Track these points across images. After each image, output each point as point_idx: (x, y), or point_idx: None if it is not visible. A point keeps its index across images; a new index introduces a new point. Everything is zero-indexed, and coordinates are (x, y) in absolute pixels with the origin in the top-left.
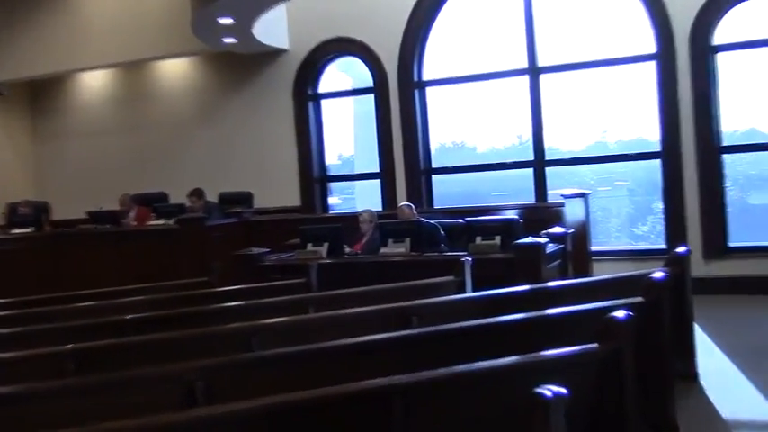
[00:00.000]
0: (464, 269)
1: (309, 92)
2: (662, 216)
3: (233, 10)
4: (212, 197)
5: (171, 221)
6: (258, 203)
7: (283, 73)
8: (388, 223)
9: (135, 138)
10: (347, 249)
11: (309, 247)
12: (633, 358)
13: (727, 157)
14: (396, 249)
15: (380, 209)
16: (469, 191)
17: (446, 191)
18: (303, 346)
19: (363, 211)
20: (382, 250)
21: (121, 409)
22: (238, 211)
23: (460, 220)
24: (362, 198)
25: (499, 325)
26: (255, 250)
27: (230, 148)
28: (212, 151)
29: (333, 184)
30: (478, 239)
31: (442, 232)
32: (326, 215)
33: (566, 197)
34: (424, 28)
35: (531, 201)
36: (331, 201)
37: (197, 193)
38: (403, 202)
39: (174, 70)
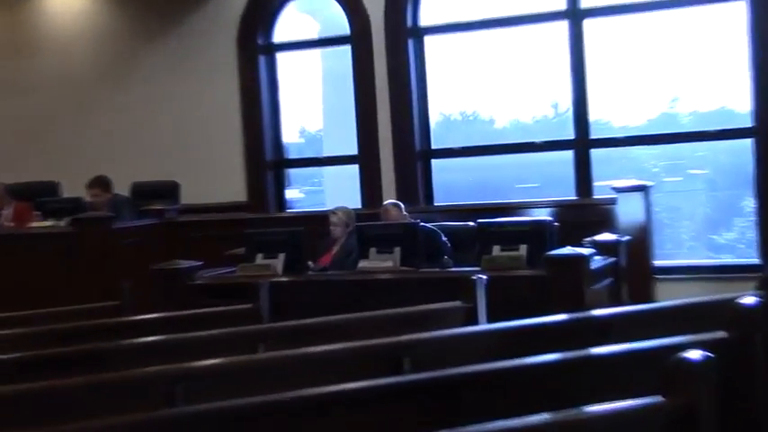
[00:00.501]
0: (475, 291)
1: (260, 41)
2: (754, 218)
3: None
4: (122, 189)
5: (62, 222)
6: (187, 198)
7: (223, 14)
8: (369, 227)
9: (11, 105)
10: (311, 264)
11: (259, 259)
12: (713, 416)
13: None
14: (380, 263)
15: (358, 207)
16: (484, 182)
17: (451, 181)
18: (248, 399)
19: (336, 209)
20: (361, 264)
21: None
22: (159, 208)
23: (471, 223)
24: (334, 191)
25: (525, 370)
26: (183, 264)
27: (149, 120)
28: (122, 125)
29: (292, 172)
30: (496, 250)
31: (445, 239)
32: (283, 215)
33: (619, 191)
34: None
35: (571, 196)
36: (290, 195)
37: (100, 183)
38: (388, 201)
39: (69, 9)
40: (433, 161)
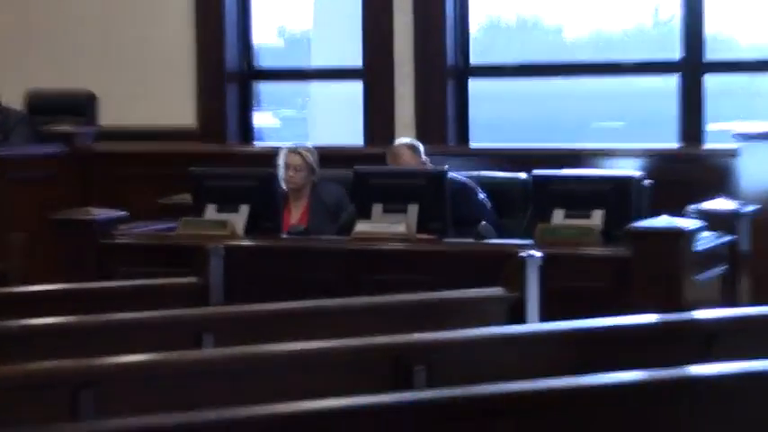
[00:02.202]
0: (525, 274)
1: None
2: None
3: None
4: (14, 100)
5: None
6: (108, 118)
7: None
8: (373, 173)
9: None
10: (293, 222)
11: (211, 212)
12: None
13: None
14: (388, 227)
15: (361, 143)
16: (545, 117)
17: (497, 114)
18: (185, 415)
19: (298, 147)
20: (360, 227)
21: None
22: (66, 130)
23: (523, 176)
24: (324, 119)
25: (593, 392)
26: (98, 213)
27: (55, 4)
28: (17, 10)
29: (265, 88)
30: (559, 216)
31: (484, 197)
32: (249, 149)
33: (743, 138)
34: None
35: (672, 143)
36: (260, 120)
37: None
38: (401, 139)
39: None
40: (472, 83)
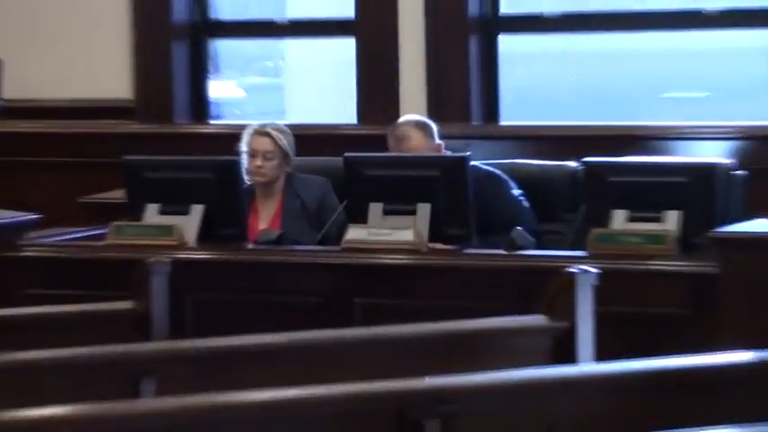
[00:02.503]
0: (574, 296)
1: None
2: None
3: None
4: None
5: None
6: (15, 89)
7: None
8: (370, 162)
9: None
10: (262, 228)
11: (152, 214)
12: None
13: None
14: (389, 233)
15: (353, 121)
16: (599, 85)
17: (536, 81)
18: None
19: (266, 126)
20: (352, 234)
21: None
22: None
23: (572, 164)
24: (303, 89)
25: None
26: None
27: None
28: None
29: (225, 46)
30: (620, 218)
31: (519, 193)
32: (203, 129)
33: None
34: None
35: None
36: (218, 91)
37: None
38: (408, 116)
39: None
40: (503, 40)
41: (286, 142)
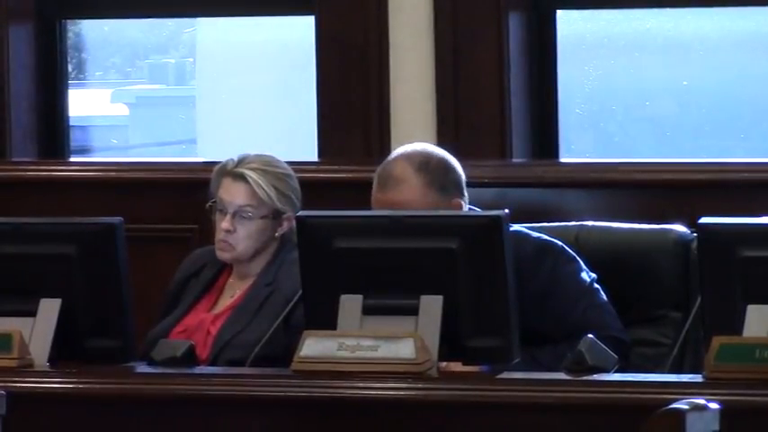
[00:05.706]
0: None
1: None
2: None
3: None
4: None
5: None
6: None
7: None
8: (336, 222)
9: None
10: (216, 312)
11: None
12: None
13: None
14: (374, 347)
15: (312, 156)
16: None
17: (602, 85)
18: None
19: (245, 159)
20: (310, 346)
21: None
22: None
23: (678, 228)
24: (225, 99)
25: None
26: None
27: None
28: None
29: (92, 28)
30: (759, 315)
31: (590, 277)
32: (59, 171)
33: None
34: None
35: None
36: (82, 106)
37: None
38: (405, 147)
39: None
40: (561, 14)
41: (274, 191)
